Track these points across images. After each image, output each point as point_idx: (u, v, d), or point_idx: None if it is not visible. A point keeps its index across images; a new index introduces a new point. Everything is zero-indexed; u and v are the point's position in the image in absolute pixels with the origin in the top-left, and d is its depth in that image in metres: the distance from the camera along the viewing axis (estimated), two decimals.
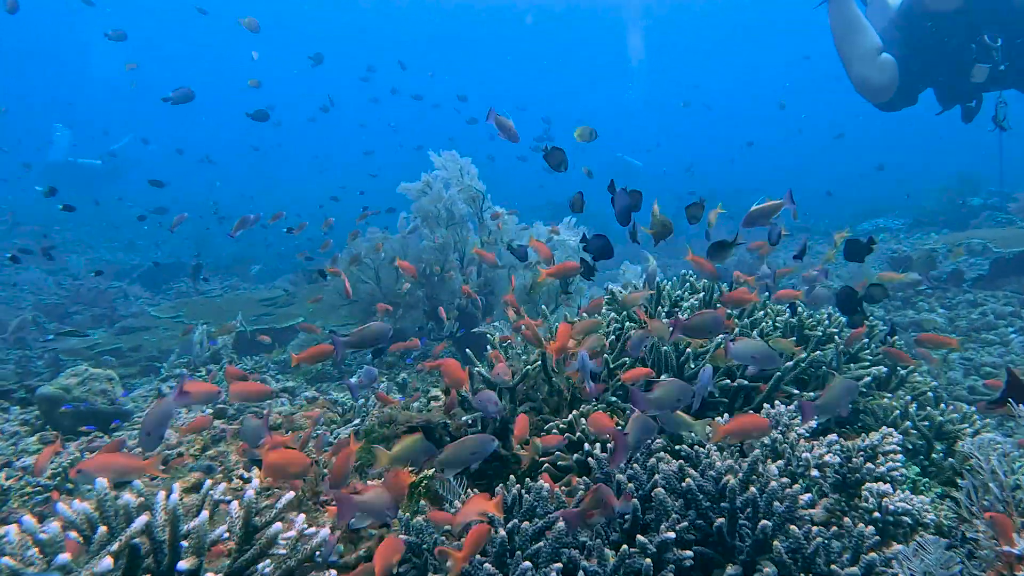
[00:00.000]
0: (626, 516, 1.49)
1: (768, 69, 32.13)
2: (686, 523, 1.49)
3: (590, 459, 1.70)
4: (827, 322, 2.47)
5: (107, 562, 1.14)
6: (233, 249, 12.64)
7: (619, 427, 1.60)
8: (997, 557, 1.24)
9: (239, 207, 15.54)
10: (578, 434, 1.87)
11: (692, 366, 2.15)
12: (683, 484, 1.53)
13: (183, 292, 8.45)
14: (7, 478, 2.28)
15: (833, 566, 1.37)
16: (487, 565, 1.36)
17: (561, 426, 1.95)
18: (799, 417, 1.74)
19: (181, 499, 1.33)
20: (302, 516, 1.52)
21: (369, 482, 1.72)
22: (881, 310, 6.44)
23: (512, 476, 1.80)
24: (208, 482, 1.51)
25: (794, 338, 2.32)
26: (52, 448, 2.13)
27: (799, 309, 2.49)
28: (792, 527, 1.40)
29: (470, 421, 2.12)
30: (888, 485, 1.58)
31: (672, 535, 1.42)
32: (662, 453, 1.71)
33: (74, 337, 4.84)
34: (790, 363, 2.12)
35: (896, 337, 2.44)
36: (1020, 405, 1.62)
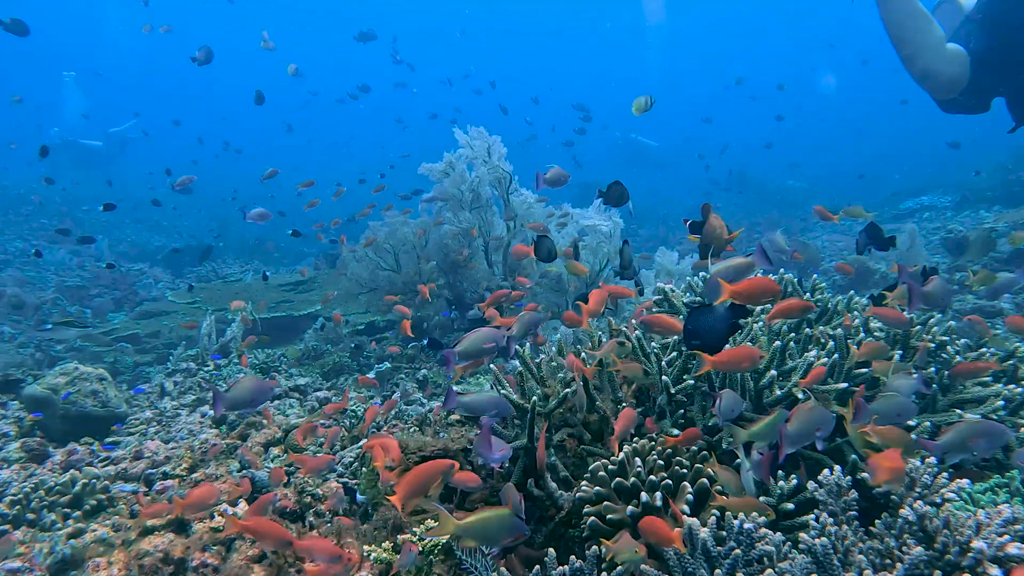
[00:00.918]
0: None
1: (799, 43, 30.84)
2: None
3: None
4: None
5: None
6: (258, 231, 12.50)
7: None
8: None
9: (262, 191, 15.46)
10: (632, 480, 1.52)
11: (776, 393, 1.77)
12: None
13: (203, 276, 8.29)
14: None
15: None
16: None
17: (610, 467, 1.57)
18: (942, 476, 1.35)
19: None
20: None
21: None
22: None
23: (548, 525, 1.47)
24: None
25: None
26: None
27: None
28: None
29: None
30: None
31: None
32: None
33: (73, 328, 4.64)
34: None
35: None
36: None
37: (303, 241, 12.80)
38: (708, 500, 1.47)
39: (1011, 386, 1.82)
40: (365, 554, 1.52)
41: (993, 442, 1.31)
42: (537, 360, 2.05)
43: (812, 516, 1.39)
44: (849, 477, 1.41)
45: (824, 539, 1.24)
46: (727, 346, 1.60)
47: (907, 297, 1.79)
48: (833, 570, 1.22)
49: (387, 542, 1.57)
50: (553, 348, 2.08)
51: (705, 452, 1.63)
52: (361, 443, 2.22)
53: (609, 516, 1.48)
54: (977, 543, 1.14)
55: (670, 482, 1.50)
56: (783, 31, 30.65)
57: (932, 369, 1.86)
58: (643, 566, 1.27)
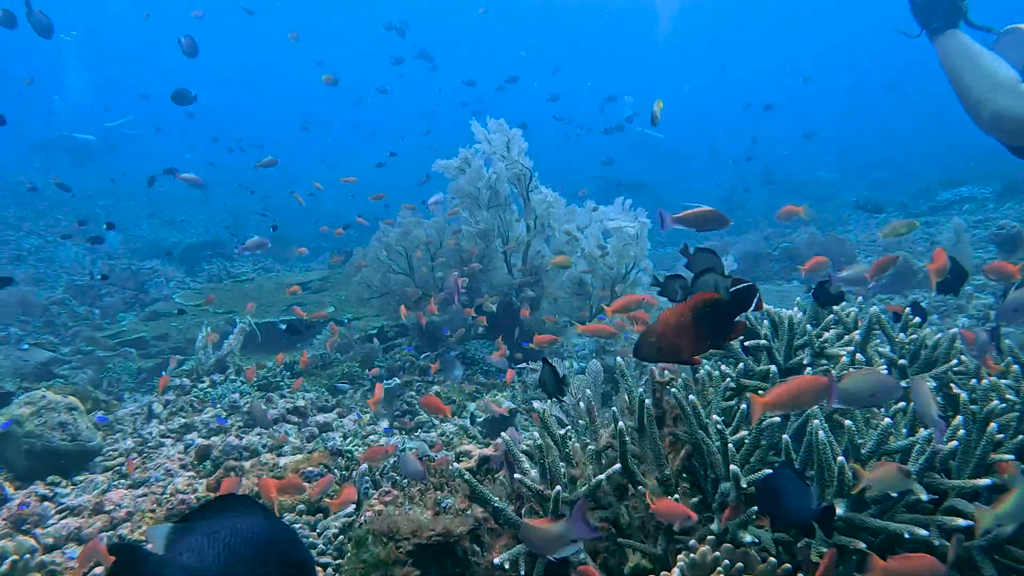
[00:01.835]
0: None
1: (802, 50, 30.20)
2: None
3: None
4: None
5: None
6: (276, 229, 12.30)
7: None
8: None
9: (280, 186, 15.33)
10: None
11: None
12: None
13: (214, 275, 8.10)
14: None
15: None
16: None
17: None
18: None
19: None
20: None
21: None
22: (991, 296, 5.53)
23: None
24: None
25: None
26: None
27: None
28: None
29: (506, 565, 1.41)
30: None
31: None
32: None
33: (44, 351, 4.42)
34: None
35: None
36: None
37: (320, 236, 12.64)
38: None
39: None
40: None
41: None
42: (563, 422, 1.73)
43: None
44: None
45: None
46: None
47: None
48: None
49: None
50: (580, 400, 1.72)
51: None
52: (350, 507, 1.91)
53: None
54: None
55: None
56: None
57: None
58: None
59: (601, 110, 14.12)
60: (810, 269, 2.44)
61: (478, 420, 3.37)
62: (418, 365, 3.98)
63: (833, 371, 1.62)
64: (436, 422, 3.20)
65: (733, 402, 1.62)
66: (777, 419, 1.42)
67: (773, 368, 1.62)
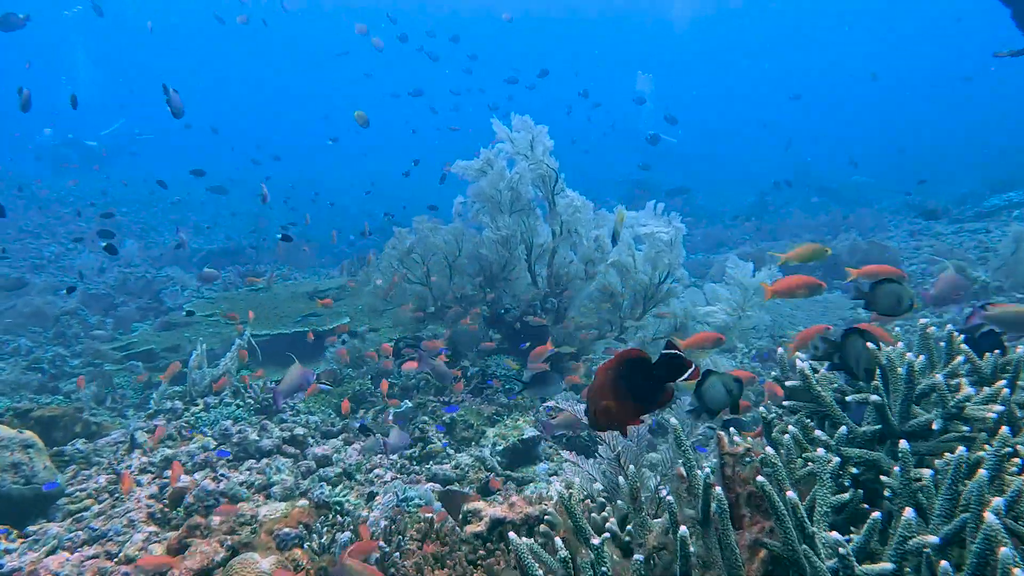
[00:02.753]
0: None
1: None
2: None
3: None
4: None
5: None
6: (294, 232, 12.16)
7: None
8: None
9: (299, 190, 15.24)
10: None
11: None
12: None
13: (230, 283, 7.90)
14: None
15: None
16: None
17: None
18: None
19: None
20: None
21: None
22: None
23: None
24: None
25: None
26: None
27: None
28: None
29: None
30: None
31: None
32: None
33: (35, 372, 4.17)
34: None
35: None
36: None
37: (345, 242, 12.47)
38: None
39: None
40: None
41: None
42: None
43: None
44: None
45: None
46: None
47: None
48: None
49: None
50: (619, 475, 1.33)
51: None
52: None
53: None
54: None
55: None
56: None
57: None
58: None
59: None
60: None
61: (498, 449, 3.03)
62: (433, 384, 3.65)
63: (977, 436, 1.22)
64: (451, 452, 2.86)
65: (848, 495, 1.21)
66: (935, 539, 1.00)
67: (903, 445, 1.18)
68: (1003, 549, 0.91)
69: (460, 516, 1.80)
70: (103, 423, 3.23)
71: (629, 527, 1.26)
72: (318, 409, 3.36)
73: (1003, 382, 1.34)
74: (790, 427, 1.30)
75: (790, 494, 1.08)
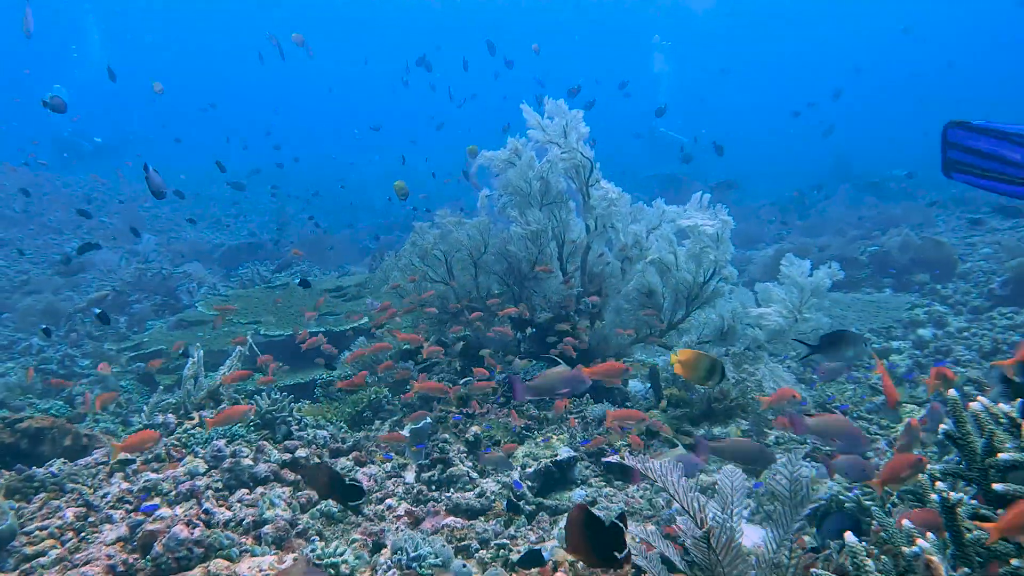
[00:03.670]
0: None
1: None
2: None
3: None
4: None
5: None
6: (315, 229, 11.94)
7: None
8: None
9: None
10: None
11: None
12: None
13: (248, 279, 7.65)
14: None
15: None
16: None
17: None
18: None
19: None
20: None
21: None
22: None
23: None
24: None
25: None
26: None
27: None
28: None
29: None
30: None
31: None
32: None
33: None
34: None
35: None
36: None
37: (366, 235, 12.21)
38: None
39: None
40: None
41: None
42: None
43: None
44: None
45: None
46: None
47: None
48: None
49: None
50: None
51: None
52: None
53: None
54: None
55: None
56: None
57: None
58: None
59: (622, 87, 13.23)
60: None
61: (528, 471, 2.66)
62: (458, 394, 3.29)
63: None
64: (474, 475, 2.50)
65: None
66: None
67: None
68: None
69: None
70: (96, 434, 2.94)
71: None
72: (330, 420, 3.03)
73: None
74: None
75: None
